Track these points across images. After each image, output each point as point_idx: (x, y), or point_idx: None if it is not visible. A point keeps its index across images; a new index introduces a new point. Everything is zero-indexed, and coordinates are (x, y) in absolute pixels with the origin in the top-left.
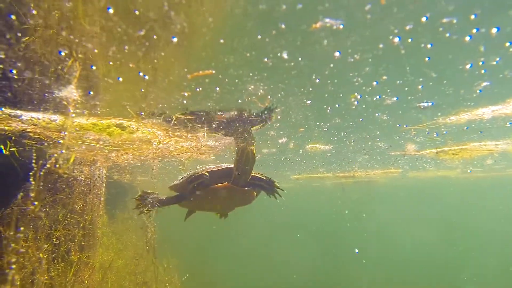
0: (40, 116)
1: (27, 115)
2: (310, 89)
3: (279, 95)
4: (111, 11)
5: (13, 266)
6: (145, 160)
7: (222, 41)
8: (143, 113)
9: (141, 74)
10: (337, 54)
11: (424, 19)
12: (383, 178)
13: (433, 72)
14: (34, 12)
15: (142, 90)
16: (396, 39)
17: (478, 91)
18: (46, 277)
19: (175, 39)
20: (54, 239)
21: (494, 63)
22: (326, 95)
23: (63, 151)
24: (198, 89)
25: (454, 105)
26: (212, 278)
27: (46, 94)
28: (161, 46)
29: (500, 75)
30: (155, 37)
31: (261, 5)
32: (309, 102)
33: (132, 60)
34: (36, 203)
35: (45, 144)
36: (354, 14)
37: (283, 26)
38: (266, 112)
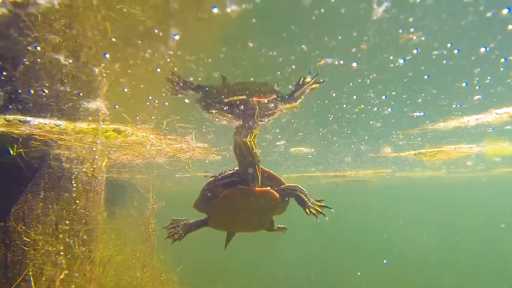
0: (46, 121)
1: (35, 120)
2: (326, 101)
3: (294, 108)
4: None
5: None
6: (145, 159)
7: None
8: (138, 117)
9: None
10: (354, 74)
11: (415, 51)
12: (375, 178)
13: (434, 89)
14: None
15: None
16: (401, 61)
17: (473, 103)
18: (54, 269)
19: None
20: (60, 234)
21: (487, 81)
22: (336, 106)
23: (95, 157)
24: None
25: (444, 114)
26: (211, 274)
27: (65, 106)
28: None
29: (492, 90)
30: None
31: (244, 62)
32: (315, 110)
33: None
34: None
35: (50, 145)
36: (346, 55)
37: (293, 67)
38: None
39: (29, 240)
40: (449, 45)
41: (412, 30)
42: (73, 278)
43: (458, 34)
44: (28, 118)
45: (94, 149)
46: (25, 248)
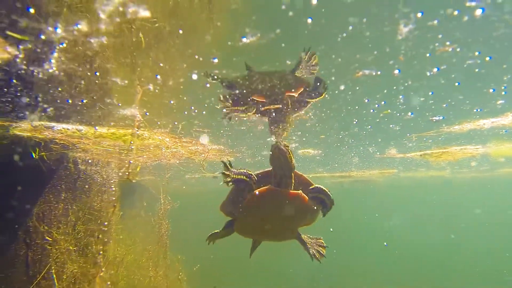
0: (69, 126)
1: (59, 126)
2: (357, 107)
3: (323, 114)
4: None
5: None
6: (158, 159)
7: None
8: (159, 123)
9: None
10: (391, 82)
11: (454, 60)
12: (381, 178)
13: (461, 95)
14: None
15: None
16: (435, 69)
17: (495, 107)
18: (75, 267)
19: None
20: (77, 234)
21: None
22: (364, 111)
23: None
24: None
25: (462, 117)
26: (218, 274)
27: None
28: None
29: None
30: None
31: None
32: (343, 114)
33: None
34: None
35: (69, 148)
36: (384, 66)
37: (332, 78)
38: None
39: (51, 239)
40: (477, 53)
41: (448, 43)
42: (90, 276)
43: (491, 44)
44: (53, 124)
45: (129, 154)
46: (48, 247)
